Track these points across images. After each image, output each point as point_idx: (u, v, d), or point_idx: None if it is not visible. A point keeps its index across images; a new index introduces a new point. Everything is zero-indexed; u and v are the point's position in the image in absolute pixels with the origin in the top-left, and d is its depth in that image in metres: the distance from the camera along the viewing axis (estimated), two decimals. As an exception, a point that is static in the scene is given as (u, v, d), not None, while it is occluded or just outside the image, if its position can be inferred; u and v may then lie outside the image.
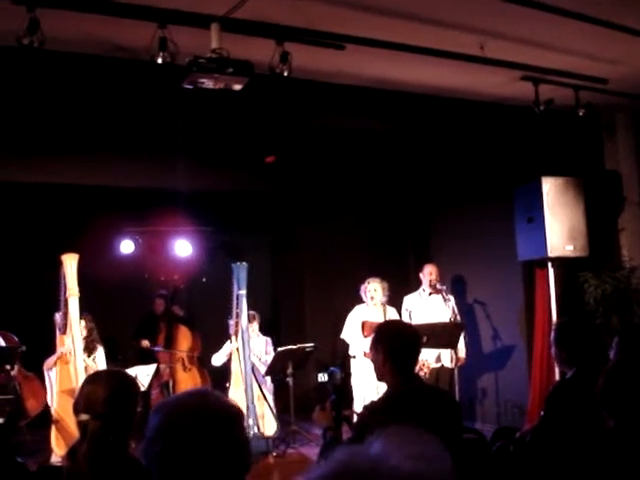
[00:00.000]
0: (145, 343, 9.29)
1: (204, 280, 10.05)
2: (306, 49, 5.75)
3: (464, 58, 6.14)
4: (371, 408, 3.35)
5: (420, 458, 1.06)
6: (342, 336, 8.03)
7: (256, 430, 7.69)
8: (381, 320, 7.16)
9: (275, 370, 8.14)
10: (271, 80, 5.69)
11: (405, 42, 5.86)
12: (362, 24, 5.55)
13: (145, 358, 8.70)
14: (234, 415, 1.77)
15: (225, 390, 7.95)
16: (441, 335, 7.20)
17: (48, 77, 5.81)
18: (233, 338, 8.15)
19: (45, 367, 7.07)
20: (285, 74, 5.58)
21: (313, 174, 8.99)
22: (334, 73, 6.58)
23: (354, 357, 7.89)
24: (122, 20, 5.16)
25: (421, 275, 8.24)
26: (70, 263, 6.69)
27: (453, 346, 7.53)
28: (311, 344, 8.25)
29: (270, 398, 8.29)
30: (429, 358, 7.63)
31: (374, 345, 3.45)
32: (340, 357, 8.21)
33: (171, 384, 9.17)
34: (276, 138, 8.03)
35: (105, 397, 2.72)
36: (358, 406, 7.21)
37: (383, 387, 3.50)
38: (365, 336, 7.60)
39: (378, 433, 1.14)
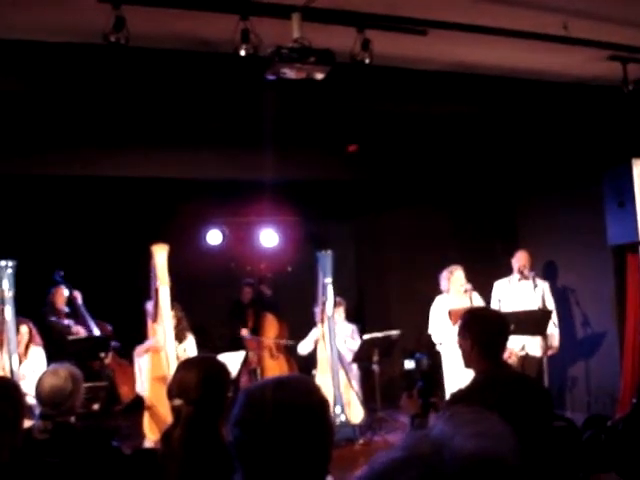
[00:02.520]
0: (245, 332, 9.47)
1: (290, 269, 10.15)
2: (387, 35, 5.71)
3: (548, 39, 5.99)
4: (458, 395, 3.32)
5: (483, 436, 1.05)
6: (430, 331, 7.98)
7: (343, 417, 7.74)
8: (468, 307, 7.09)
9: (361, 357, 8.16)
10: (352, 68, 5.68)
11: (487, 24, 5.75)
12: (443, 8, 5.48)
13: (234, 345, 8.86)
14: (318, 404, 1.76)
15: (312, 377, 8.02)
16: (528, 322, 7.08)
17: (135, 73, 5.96)
18: (319, 326, 8.21)
19: (135, 354, 7.25)
20: (366, 61, 5.56)
21: (396, 162, 8.95)
22: (416, 59, 6.52)
23: (440, 344, 7.84)
24: (204, 14, 5.25)
25: (512, 261, 8.12)
26: (160, 253, 6.83)
27: (541, 333, 7.40)
28: (397, 331, 8.23)
29: (356, 385, 8.32)
30: (514, 346, 7.51)
31: (461, 332, 3.42)
32: (426, 344, 8.16)
33: (259, 371, 9.31)
34: (358, 126, 8.03)
35: (198, 382, 2.78)
36: (449, 394, 7.15)
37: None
38: (453, 324, 7.53)
39: (440, 415, 1.13)
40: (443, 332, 7.79)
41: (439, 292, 8.07)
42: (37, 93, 6.36)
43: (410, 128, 7.99)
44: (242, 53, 5.22)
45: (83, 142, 7.50)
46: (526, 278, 7.85)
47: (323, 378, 7.92)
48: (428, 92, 7.12)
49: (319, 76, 5.44)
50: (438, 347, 7.89)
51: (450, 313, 7.67)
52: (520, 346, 7.62)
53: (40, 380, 3.66)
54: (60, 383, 3.59)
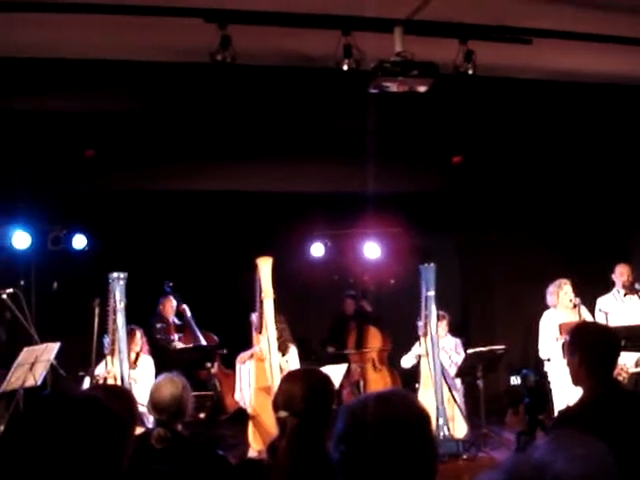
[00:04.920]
0: (330, 350, 9.51)
1: (392, 281, 10.12)
2: (491, 46, 5.65)
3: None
4: (567, 413, 3.23)
5: (586, 460, 1.03)
6: (540, 347, 7.78)
7: (446, 432, 7.64)
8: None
9: (465, 372, 8.04)
10: (456, 79, 5.65)
11: (594, 32, 5.61)
12: (546, 16, 5.38)
13: (337, 358, 8.88)
14: (420, 419, 1.74)
15: (415, 391, 7.95)
16: (641, 338, 6.81)
17: (240, 90, 6.10)
18: (422, 340, 8.14)
19: (238, 361, 7.37)
20: (470, 72, 5.52)
21: (501, 172, 8.81)
22: (519, 68, 6.42)
23: (548, 360, 7.64)
24: (307, 30, 5.34)
25: (613, 276, 7.84)
26: (265, 266, 6.93)
27: (656, 350, 7.09)
28: (502, 346, 8.07)
29: (460, 400, 8.20)
30: (628, 362, 7.23)
31: (569, 348, 3.33)
32: (534, 360, 7.97)
33: (362, 384, 9.30)
34: (462, 138, 7.95)
35: (303, 395, 2.80)
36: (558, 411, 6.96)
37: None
38: (564, 338, 7.32)
39: (542, 438, 1.12)
40: (551, 348, 7.59)
41: (546, 307, 7.86)
42: (146, 111, 6.61)
43: (515, 138, 7.85)
44: (345, 68, 5.28)
45: (192, 157, 7.74)
46: (633, 293, 7.57)
47: (426, 392, 7.84)
48: (532, 101, 7.00)
49: (422, 89, 5.44)
50: (546, 363, 7.68)
51: (561, 327, 7.47)
52: (635, 361, 7.34)
53: (158, 388, 3.74)
54: (178, 392, 3.68)
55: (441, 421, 7.59)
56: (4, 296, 6.71)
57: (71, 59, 6.04)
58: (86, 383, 6.73)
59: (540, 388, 6.91)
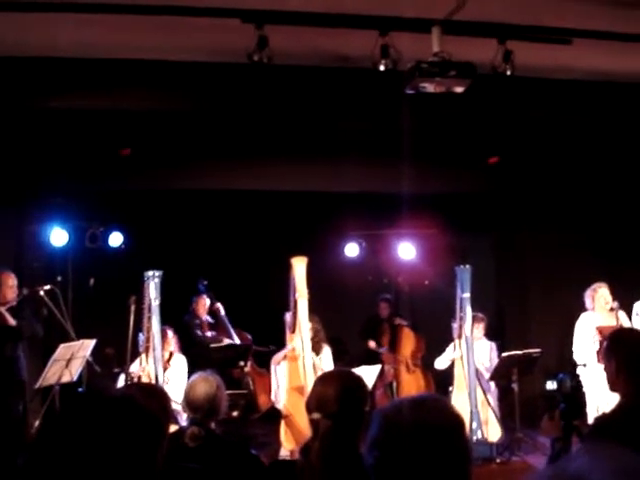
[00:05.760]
0: (372, 344, 9.47)
1: (427, 282, 10.06)
2: (530, 46, 5.59)
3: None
4: (603, 420, 3.18)
5: (621, 472, 1.01)
6: (574, 349, 7.69)
7: (480, 435, 7.58)
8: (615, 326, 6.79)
9: (499, 375, 7.97)
10: (493, 79, 5.60)
11: (634, 32, 5.52)
12: (586, 16, 5.30)
13: (370, 358, 8.86)
14: (454, 424, 1.73)
15: (448, 394, 7.90)
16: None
17: (277, 90, 6.12)
18: (457, 342, 8.08)
19: (273, 362, 7.39)
20: (508, 73, 5.47)
21: (538, 173, 8.72)
22: (557, 68, 6.34)
23: (584, 365, 7.54)
24: (344, 30, 5.33)
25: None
26: (300, 266, 6.93)
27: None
28: (537, 350, 7.98)
29: (494, 403, 8.13)
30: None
31: (607, 353, 3.28)
32: (570, 364, 7.87)
33: (395, 385, 9.26)
34: (499, 138, 7.88)
35: (336, 396, 2.80)
36: (591, 417, 6.87)
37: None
38: (601, 341, 7.22)
39: (579, 448, 1.10)
40: (587, 352, 7.49)
41: (583, 309, 7.77)
42: (182, 110, 6.65)
43: (553, 139, 7.76)
44: (381, 68, 5.26)
45: (227, 157, 7.78)
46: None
47: (459, 395, 7.79)
48: (570, 102, 6.91)
49: (459, 89, 5.40)
50: (581, 368, 7.59)
51: (598, 329, 7.37)
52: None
53: (192, 387, 3.77)
54: (213, 391, 3.71)
55: (474, 424, 7.53)
56: (41, 293, 6.80)
57: (109, 59, 6.12)
58: (121, 380, 6.79)
59: (576, 393, 6.83)
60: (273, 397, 7.44)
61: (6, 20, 5.24)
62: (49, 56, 5.82)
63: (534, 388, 8.88)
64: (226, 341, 8.46)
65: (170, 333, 7.15)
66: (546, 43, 5.61)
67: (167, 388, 6.20)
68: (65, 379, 6.55)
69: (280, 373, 7.30)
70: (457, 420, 1.76)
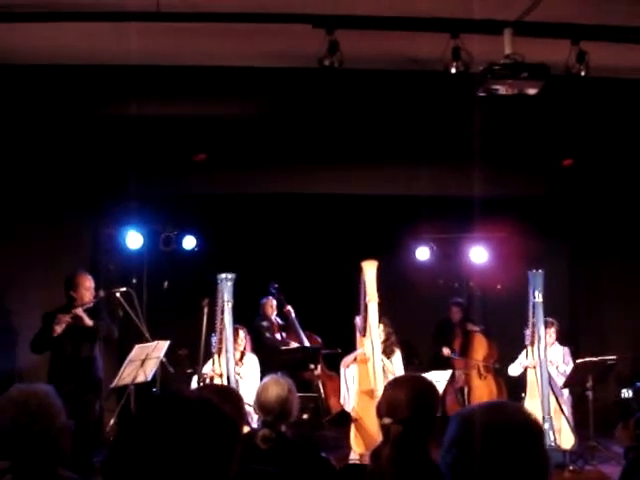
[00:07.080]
0: (446, 351, 9.38)
1: (499, 287, 9.94)
2: (604, 46, 5.48)
3: None
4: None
5: None
6: None
7: (552, 442, 7.44)
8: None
9: (573, 382, 7.81)
10: (567, 81, 5.51)
11: None
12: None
13: (440, 363, 8.79)
14: (534, 429, 1.72)
15: (521, 401, 7.79)
16: None
17: (347, 94, 6.14)
18: (529, 349, 7.95)
19: (343, 364, 7.41)
20: (582, 74, 5.37)
21: (613, 177, 8.52)
22: (634, 68, 6.19)
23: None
24: (415, 33, 5.32)
25: None
26: (370, 269, 6.93)
27: None
28: (613, 357, 7.80)
29: (567, 411, 7.97)
30: None
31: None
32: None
33: (466, 391, 9.17)
34: (573, 141, 7.73)
35: (407, 402, 2.79)
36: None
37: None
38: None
39: None
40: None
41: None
42: (255, 116, 6.74)
43: (628, 140, 7.57)
44: (453, 71, 5.23)
45: (299, 161, 7.85)
46: None
47: (532, 402, 7.66)
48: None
49: (532, 91, 5.33)
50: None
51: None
52: None
53: (264, 389, 3.80)
54: (285, 394, 3.74)
55: (547, 431, 7.39)
56: (117, 294, 6.96)
57: (184, 66, 6.24)
58: (194, 381, 6.91)
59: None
60: (342, 400, 7.45)
61: (84, 31, 5.42)
62: (128, 64, 5.96)
63: (609, 396, 8.68)
64: (293, 344, 8.53)
65: (242, 333, 7.23)
66: (621, 43, 5.49)
67: (240, 387, 6.29)
68: (140, 379, 6.69)
69: (349, 376, 7.31)
70: (537, 425, 1.75)
